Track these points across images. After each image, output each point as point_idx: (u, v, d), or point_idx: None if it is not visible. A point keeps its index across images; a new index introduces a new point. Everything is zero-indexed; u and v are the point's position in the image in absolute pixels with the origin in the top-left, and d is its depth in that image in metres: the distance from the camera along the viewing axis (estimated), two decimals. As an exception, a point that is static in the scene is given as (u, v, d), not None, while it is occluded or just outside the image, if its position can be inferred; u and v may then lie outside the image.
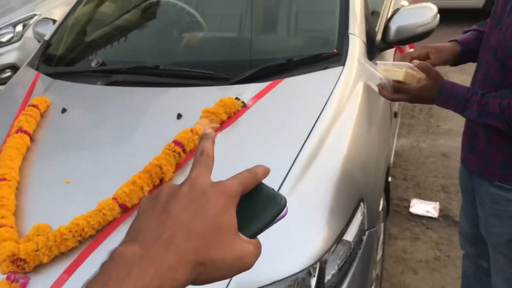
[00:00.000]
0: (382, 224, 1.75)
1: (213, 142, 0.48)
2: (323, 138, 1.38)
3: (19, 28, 4.18)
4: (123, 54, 2.01)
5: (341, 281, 1.22)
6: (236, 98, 1.52)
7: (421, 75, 1.13)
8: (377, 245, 1.60)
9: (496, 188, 1.22)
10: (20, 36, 4.16)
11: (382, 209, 1.70)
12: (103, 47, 2.09)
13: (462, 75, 3.77)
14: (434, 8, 1.88)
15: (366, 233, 1.35)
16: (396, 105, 2.18)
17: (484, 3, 5.23)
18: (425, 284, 2.08)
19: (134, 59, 1.90)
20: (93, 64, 1.85)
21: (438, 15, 1.87)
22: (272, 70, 1.63)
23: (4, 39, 4.10)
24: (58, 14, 4.32)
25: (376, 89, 1.21)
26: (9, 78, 4.13)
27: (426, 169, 2.80)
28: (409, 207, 2.51)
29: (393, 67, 1.17)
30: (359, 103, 1.55)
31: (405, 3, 2.65)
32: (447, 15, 5.54)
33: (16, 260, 1.13)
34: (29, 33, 4.18)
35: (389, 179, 1.94)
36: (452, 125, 3.24)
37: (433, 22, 1.84)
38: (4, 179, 1.36)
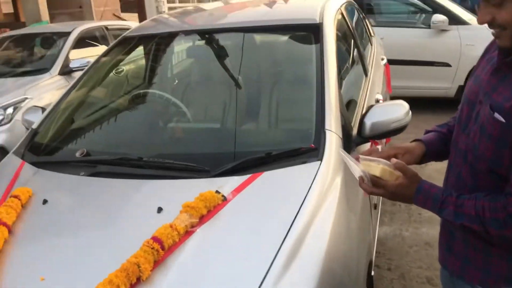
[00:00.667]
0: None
1: None
2: (303, 234, 1.39)
3: (9, 110, 4.27)
4: (107, 145, 2.07)
5: None
6: (217, 192, 1.54)
7: (398, 173, 1.18)
8: None
9: (479, 292, 1.22)
10: (10, 119, 4.24)
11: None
12: (88, 137, 2.14)
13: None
14: (406, 106, 1.99)
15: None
16: (375, 197, 2.23)
17: (455, 93, 5.53)
18: None
19: (118, 150, 1.95)
20: (77, 154, 1.89)
21: (410, 112, 1.98)
22: (252, 163, 1.68)
23: (-6, 121, 4.17)
24: (49, 98, 4.45)
25: (357, 179, 1.26)
26: (-6, 160, 4.15)
27: (410, 259, 2.79)
28: (394, 299, 2.47)
29: (371, 162, 1.22)
30: (338, 197, 1.59)
31: (380, 96, 2.81)
32: (421, 104, 5.84)
33: None
34: (19, 115, 4.27)
35: (372, 273, 1.93)
36: (433, 214, 3.27)
37: (405, 119, 1.95)
38: (-24, 275, 1.32)
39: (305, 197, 1.51)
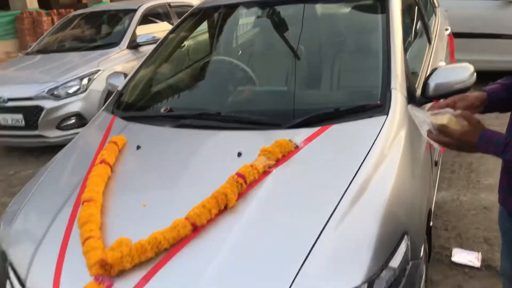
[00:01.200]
0: (424, 266, 1.84)
1: None
2: (369, 178, 1.53)
3: (84, 81, 4.65)
4: (187, 103, 2.29)
5: (386, 305, 1.33)
6: (290, 140, 1.72)
7: (463, 122, 1.29)
8: (419, 282, 1.68)
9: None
10: (85, 89, 4.62)
11: (424, 250, 1.80)
12: (169, 97, 2.38)
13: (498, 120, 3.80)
14: (471, 68, 2.05)
15: (410, 263, 1.46)
16: (436, 155, 2.31)
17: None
18: (468, 332, 2.10)
19: (197, 107, 2.16)
20: (162, 110, 2.12)
21: (475, 74, 2.04)
22: (322, 117, 1.83)
23: (71, 90, 4.56)
24: (119, 70, 4.79)
25: (424, 133, 1.38)
26: (74, 124, 4.56)
27: (468, 221, 2.85)
28: (450, 256, 2.55)
29: (438, 113, 1.34)
30: (402, 149, 1.71)
31: (443, 64, 2.85)
32: (487, 78, 5.66)
33: (104, 265, 1.32)
34: (93, 86, 4.66)
35: (431, 223, 2.04)
36: (492, 181, 3.29)
37: (470, 80, 2.02)
38: (92, 200, 1.58)
39: (371, 147, 1.65)
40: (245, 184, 1.51)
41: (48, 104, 4.47)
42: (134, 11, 5.78)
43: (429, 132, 1.36)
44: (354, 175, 1.53)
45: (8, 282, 1.59)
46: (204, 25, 3.03)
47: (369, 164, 1.58)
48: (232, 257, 1.34)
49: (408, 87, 2.01)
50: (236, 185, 1.50)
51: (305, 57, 2.43)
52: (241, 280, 1.28)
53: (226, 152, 1.74)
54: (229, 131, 1.89)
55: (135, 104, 2.34)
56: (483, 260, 2.50)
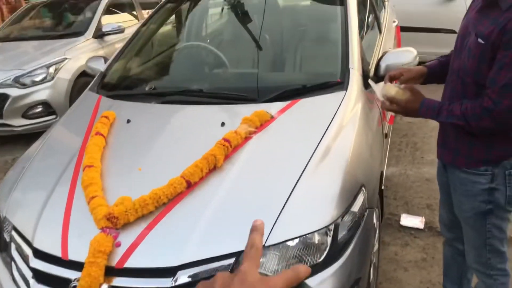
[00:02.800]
0: (377, 223, 2.18)
1: (262, 234, 0.58)
2: (332, 142, 1.84)
3: (51, 69, 4.70)
4: (169, 82, 2.51)
5: (348, 242, 1.64)
6: (266, 112, 1.99)
7: (408, 93, 1.62)
8: (375, 231, 2.02)
9: (463, 173, 1.67)
10: (52, 77, 4.67)
11: (377, 207, 2.13)
12: (152, 77, 2.59)
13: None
14: (414, 51, 2.41)
15: (367, 210, 1.78)
16: (386, 128, 2.67)
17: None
18: (414, 279, 2.47)
19: (179, 85, 2.39)
20: (147, 89, 2.33)
21: (418, 57, 2.40)
22: (292, 92, 2.12)
23: (38, 78, 4.60)
24: (85, 59, 4.86)
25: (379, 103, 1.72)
26: (41, 113, 4.60)
27: (413, 191, 3.25)
28: (399, 220, 2.93)
29: (389, 87, 1.68)
30: (358, 117, 2.03)
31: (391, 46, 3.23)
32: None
33: (110, 218, 1.54)
34: (60, 74, 4.72)
35: (383, 187, 2.39)
36: (434, 157, 3.71)
37: (414, 62, 2.37)
38: (92, 165, 1.79)
39: (334, 116, 1.96)
40: (230, 148, 1.77)
41: (13, 92, 4.47)
42: (99, 0, 5.83)
43: (382, 103, 1.69)
44: (320, 139, 1.82)
45: (12, 246, 1.70)
46: (180, 12, 3.24)
47: (332, 131, 1.88)
48: (222, 206, 1.59)
49: (363, 68, 2.34)
50: (223, 148, 1.75)
51: (274, 43, 2.72)
52: (231, 221, 1.54)
53: (211, 122, 1.99)
54: (211, 106, 2.14)
55: (120, 84, 2.54)
56: (426, 223, 2.89)
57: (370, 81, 1.79)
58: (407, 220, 2.93)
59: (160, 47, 2.90)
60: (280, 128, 1.93)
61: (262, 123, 1.94)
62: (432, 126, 4.26)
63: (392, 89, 1.68)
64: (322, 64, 2.47)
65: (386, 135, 2.66)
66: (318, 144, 1.79)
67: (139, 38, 2.86)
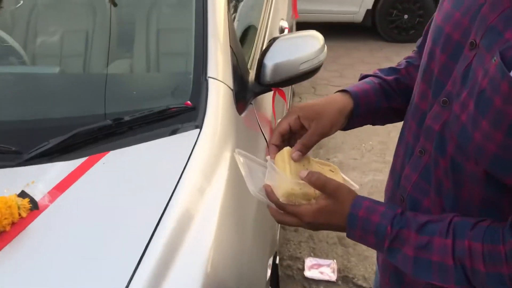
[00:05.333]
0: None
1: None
2: (175, 242, 0.85)
3: None
4: None
5: None
6: (21, 195, 0.91)
7: (313, 191, 0.67)
8: None
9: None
10: None
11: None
12: None
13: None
14: (319, 38, 1.45)
15: None
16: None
17: (363, 18, 5.17)
18: None
19: None
20: None
21: (325, 47, 1.45)
22: (89, 137, 1.05)
23: None
24: None
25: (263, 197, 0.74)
26: None
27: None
28: (303, 269, 2.09)
29: (278, 172, 0.71)
30: (224, 186, 1.04)
31: (284, 24, 2.24)
32: (327, 29, 5.42)
33: None
34: None
35: (277, 260, 1.48)
36: (342, 157, 2.93)
37: (319, 57, 1.41)
38: None
39: (174, 191, 0.95)
40: None
41: None
42: None
43: (268, 206, 0.72)
44: (147, 243, 0.82)
45: None
46: None
47: (169, 225, 0.88)
48: None
49: (236, 69, 1.33)
50: None
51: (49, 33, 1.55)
52: None
53: None
54: None
55: None
56: (338, 271, 2.08)
57: (237, 152, 0.80)
58: (313, 270, 2.09)
59: None
60: (45, 241, 0.87)
61: (5, 228, 0.86)
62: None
63: (282, 185, 0.73)
64: (157, 68, 1.41)
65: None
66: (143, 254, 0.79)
67: None
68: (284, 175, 0.71)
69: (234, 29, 1.45)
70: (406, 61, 0.88)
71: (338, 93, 0.86)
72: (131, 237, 0.87)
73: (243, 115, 1.28)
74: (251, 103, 1.37)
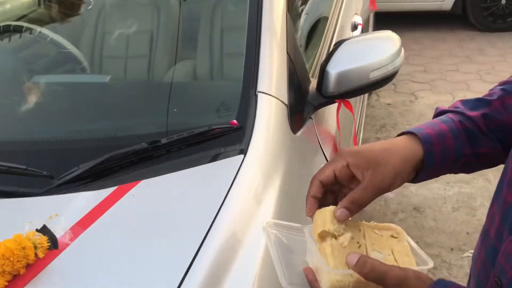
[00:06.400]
0: None
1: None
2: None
3: None
4: None
5: None
6: (42, 230, 0.82)
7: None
8: None
9: None
10: None
11: None
12: None
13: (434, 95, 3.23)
14: (395, 39, 1.23)
15: None
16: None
17: (452, 5, 4.67)
18: None
19: None
20: None
21: (402, 51, 1.22)
22: (121, 162, 0.94)
23: None
24: None
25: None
26: None
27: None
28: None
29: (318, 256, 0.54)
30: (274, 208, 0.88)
31: (358, 19, 2.00)
32: (411, 19, 4.99)
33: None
34: None
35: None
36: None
37: (395, 62, 1.19)
38: None
39: (207, 233, 0.80)
40: None
41: None
42: None
43: None
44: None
45: None
46: None
47: (202, 269, 0.74)
48: None
49: (294, 78, 1.15)
50: None
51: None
52: None
53: None
54: None
55: None
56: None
57: (267, 224, 0.63)
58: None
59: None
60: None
61: (19, 271, 0.77)
62: (419, 112, 3.15)
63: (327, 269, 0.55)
64: (198, 86, 1.26)
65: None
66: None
67: None
68: (324, 260, 0.53)
69: (293, 31, 1.26)
70: (501, 89, 0.65)
71: (403, 137, 0.65)
72: (160, 285, 0.74)
73: (299, 133, 1.10)
74: (311, 117, 1.19)
